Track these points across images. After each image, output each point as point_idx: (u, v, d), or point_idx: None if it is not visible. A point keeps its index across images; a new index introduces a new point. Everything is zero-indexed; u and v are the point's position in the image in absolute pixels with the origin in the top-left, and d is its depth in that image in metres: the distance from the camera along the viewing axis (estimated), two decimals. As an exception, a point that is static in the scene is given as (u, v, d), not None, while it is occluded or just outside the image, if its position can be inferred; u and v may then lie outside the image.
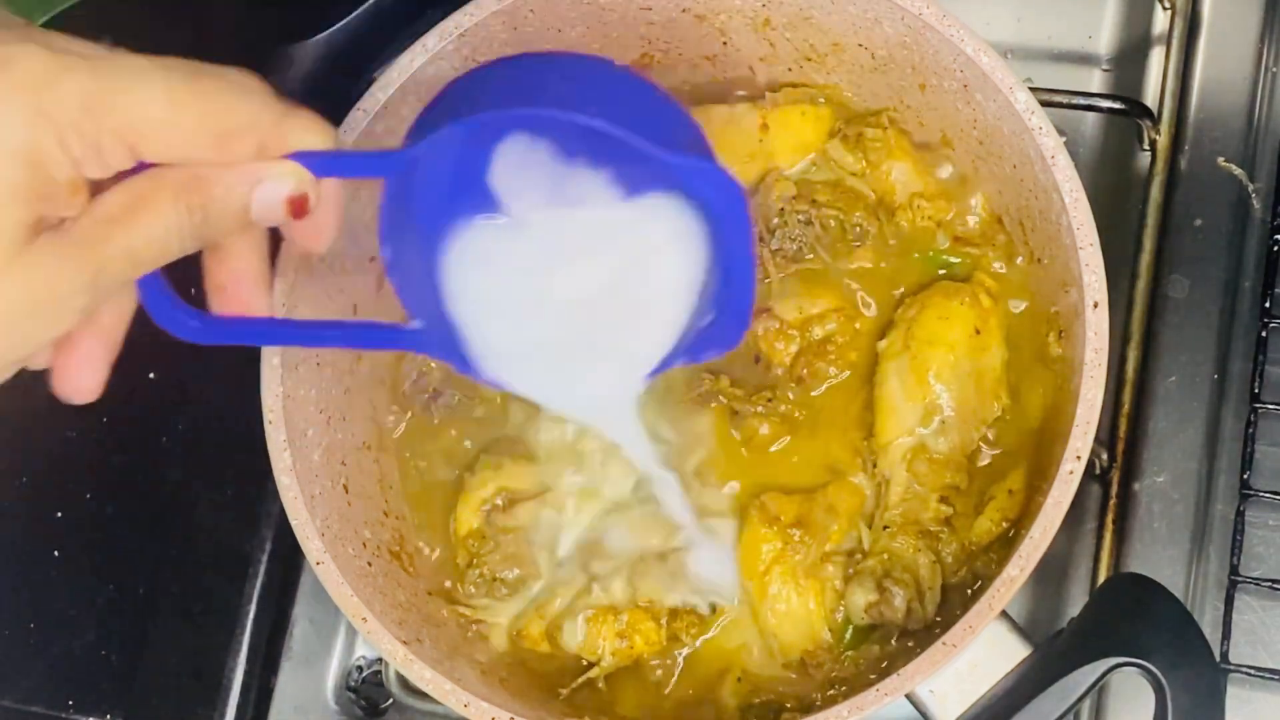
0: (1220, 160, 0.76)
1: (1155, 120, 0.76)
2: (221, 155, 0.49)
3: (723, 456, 0.71)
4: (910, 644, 0.66)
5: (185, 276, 0.54)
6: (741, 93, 0.74)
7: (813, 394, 0.71)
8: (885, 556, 0.67)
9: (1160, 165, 0.76)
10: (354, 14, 0.78)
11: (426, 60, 0.66)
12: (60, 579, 0.80)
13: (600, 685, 0.69)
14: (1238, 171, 0.76)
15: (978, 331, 0.68)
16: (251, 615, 0.77)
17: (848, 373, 0.71)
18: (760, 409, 0.70)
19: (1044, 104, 0.64)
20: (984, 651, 0.61)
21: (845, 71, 0.71)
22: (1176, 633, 0.60)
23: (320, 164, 0.51)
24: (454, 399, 0.73)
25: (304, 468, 0.65)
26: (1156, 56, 0.80)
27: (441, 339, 0.58)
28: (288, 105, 0.50)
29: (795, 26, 0.70)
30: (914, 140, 0.72)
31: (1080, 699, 0.60)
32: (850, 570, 0.68)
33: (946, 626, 0.60)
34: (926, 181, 0.72)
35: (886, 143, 0.71)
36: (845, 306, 0.71)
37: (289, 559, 0.78)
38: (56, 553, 0.80)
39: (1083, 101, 0.76)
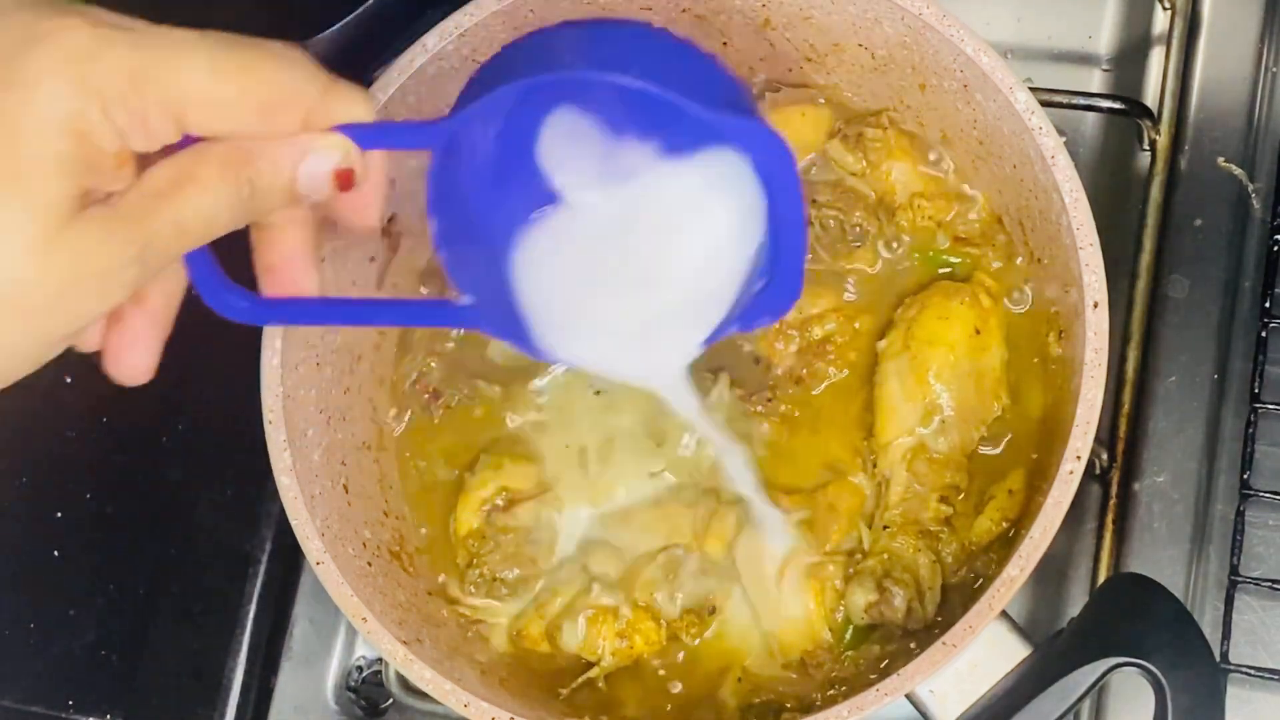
0: (1220, 160, 0.76)
1: (1155, 120, 0.76)
2: (266, 128, 0.49)
3: (722, 457, 0.71)
4: (910, 644, 0.66)
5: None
6: (742, 93, 0.74)
7: (813, 394, 0.71)
8: (885, 556, 0.67)
9: (1160, 165, 0.76)
10: (354, 14, 0.77)
11: (426, 60, 0.66)
12: (60, 579, 0.80)
13: (600, 685, 0.69)
14: (1238, 171, 0.76)
15: (978, 331, 0.68)
16: (251, 615, 0.77)
17: (847, 372, 0.71)
18: (760, 409, 0.70)
19: (1044, 104, 0.64)
20: (984, 651, 0.61)
21: (845, 71, 0.71)
22: (1176, 633, 0.60)
23: (365, 136, 0.51)
24: (454, 399, 0.73)
25: (304, 468, 0.65)
26: (1156, 56, 0.80)
27: (492, 314, 0.58)
28: (331, 77, 0.50)
29: (795, 26, 0.70)
30: (914, 140, 0.72)
31: (1080, 699, 0.60)
32: (850, 570, 0.68)
33: (946, 626, 0.60)
34: (926, 181, 0.72)
35: (886, 143, 0.71)
36: (845, 306, 0.71)
37: (289, 559, 0.78)
38: (56, 553, 0.80)
39: (1083, 101, 0.76)
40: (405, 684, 0.76)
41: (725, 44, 0.72)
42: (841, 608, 0.68)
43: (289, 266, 0.55)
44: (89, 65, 0.45)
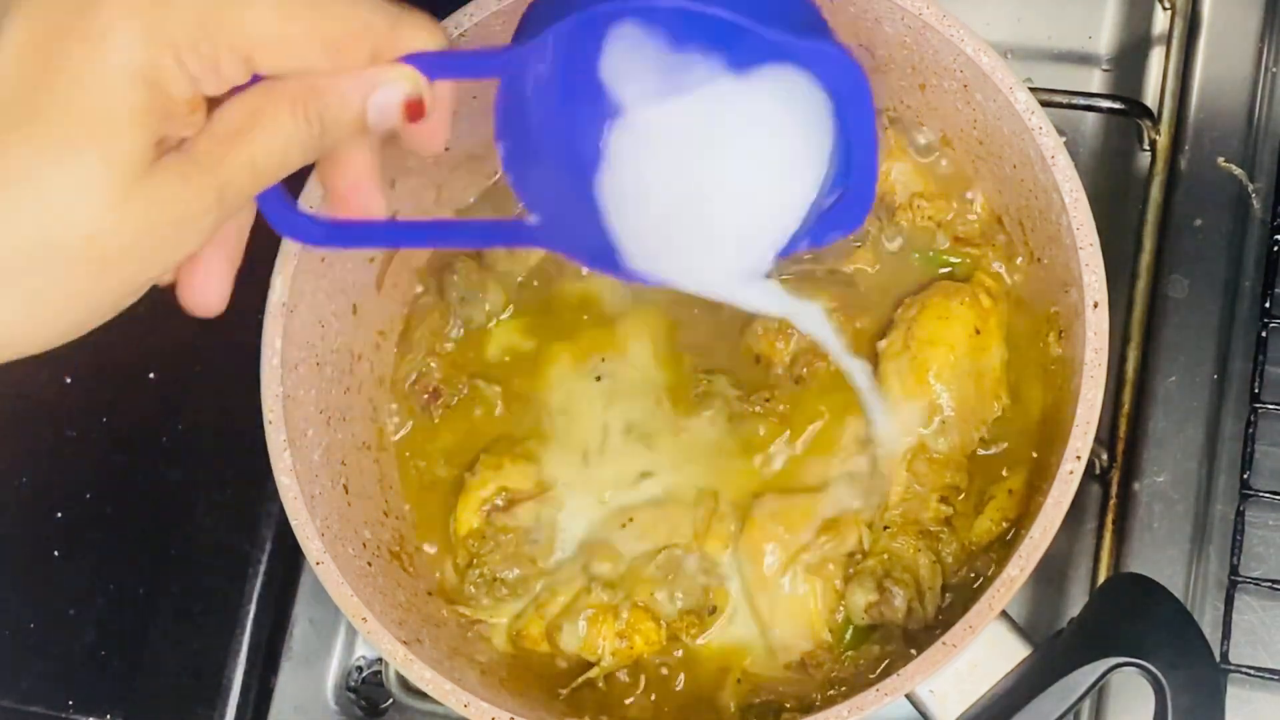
0: (1220, 160, 0.76)
1: (1155, 120, 0.76)
2: (336, 64, 0.49)
3: (722, 457, 0.71)
4: (910, 644, 0.66)
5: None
6: (742, 93, 0.74)
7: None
8: (885, 556, 0.67)
9: (1160, 165, 0.76)
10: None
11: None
12: (60, 579, 0.80)
13: (600, 685, 0.69)
14: (1238, 171, 0.76)
15: (978, 331, 0.68)
16: (251, 615, 0.77)
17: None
18: (759, 409, 0.70)
19: (1044, 104, 0.64)
20: (984, 651, 0.61)
21: (845, 71, 0.71)
22: (1176, 633, 0.60)
23: (434, 65, 0.51)
24: (454, 399, 0.73)
25: (304, 468, 0.65)
26: (1156, 56, 0.80)
27: (561, 233, 0.58)
28: (400, 8, 0.50)
29: (795, 26, 0.70)
30: (913, 140, 0.72)
31: (1080, 699, 0.59)
32: (850, 570, 0.68)
33: (946, 626, 0.60)
34: (927, 181, 0.72)
35: (886, 143, 0.71)
36: (845, 306, 0.71)
37: (289, 559, 0.78)
38: (56, 553, 0.80)
39: (1083, 101, 0.76)
40: (405, 684, 0.76)
41: (725, 44, 0.72)
42: (841, 608, 0.68)
43: (357, 191, 0.54)
44: (158, 13, 0.45)
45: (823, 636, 0.68)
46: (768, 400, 0.70)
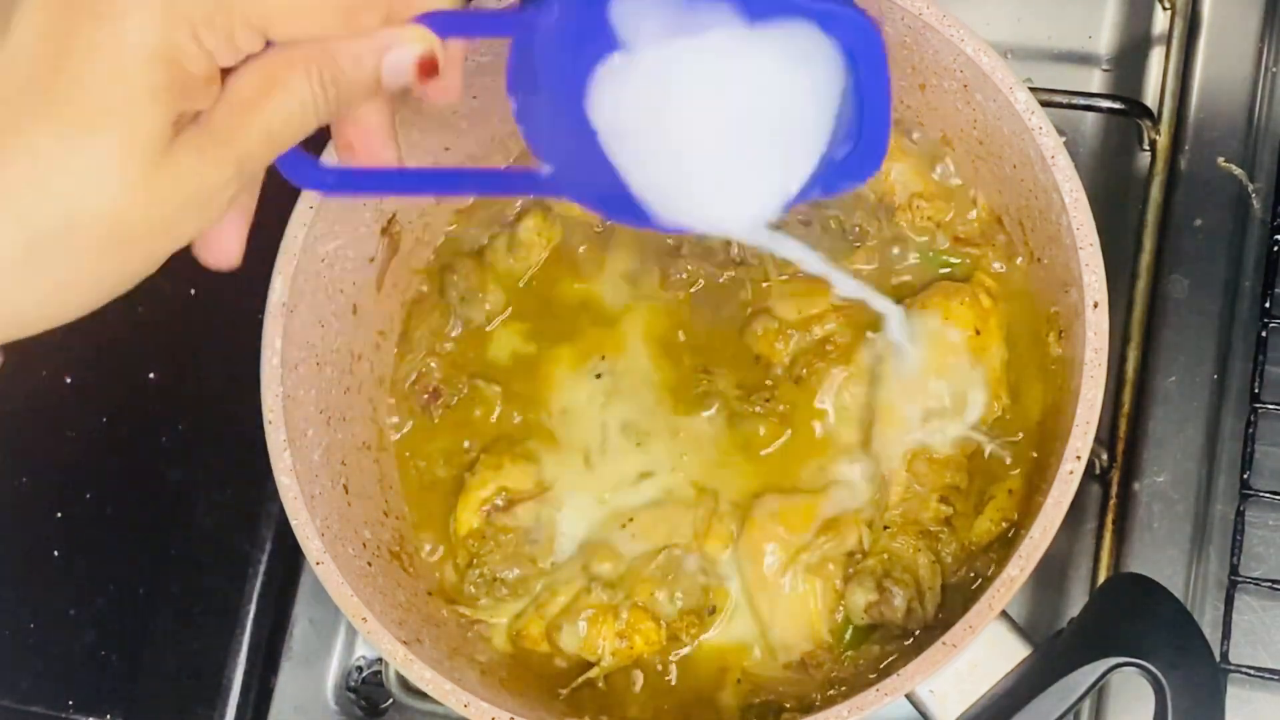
0: (1220, 160, 0.76)
1: (1155, 120, 0.76)
2: (350, 28, 0.49)
3: (722, 457, 0.71)
4: (910, 644, 0.66)
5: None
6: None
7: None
8: (885, 556, 0.67)
9: (1160, 165, 0.76)
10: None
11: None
12: (60, 579, 0.80)
13: (600, 685, 0.69)
14: (1238, 171, 0.76)
15: (977, 332, 0.68)
16: (251, 615, 0.77)
17: (848, 372, 0.71)
18: (759, 409, 0.70)
19: (1044, 104, 0.64)
20: (984, 651, 0.61)
21: (845, 71, 0.71)
22: (1176, 633, 0.60)
23: (446, 24, 0.51)
24: (454, 399, 0.73)
25: (304, 468, 0.65)
26: (1156, 56, 0.80)
27: (572, 181, 0.58)
28: None
29: (795, 26, 0.70)
30: (914, 140, 0.72)
31: (1080, 699, 0.59)
32: (850, 570, 0.68)
33: (946, 626, 0.60)
34: (926, 181, 0.72)
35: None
36: (845, 306, 0.71)
37: (289, 559, 0.78)
38: (56, 553, 0.80)
39: (1082, 101, 0.76)
40: (405, 684, 0.76)
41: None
42: (841, 608, 0.68)
43: (369, 141, 0.54)
44: None
45: (823, 636, 0.68)
46: (768, 400, 0.70)
